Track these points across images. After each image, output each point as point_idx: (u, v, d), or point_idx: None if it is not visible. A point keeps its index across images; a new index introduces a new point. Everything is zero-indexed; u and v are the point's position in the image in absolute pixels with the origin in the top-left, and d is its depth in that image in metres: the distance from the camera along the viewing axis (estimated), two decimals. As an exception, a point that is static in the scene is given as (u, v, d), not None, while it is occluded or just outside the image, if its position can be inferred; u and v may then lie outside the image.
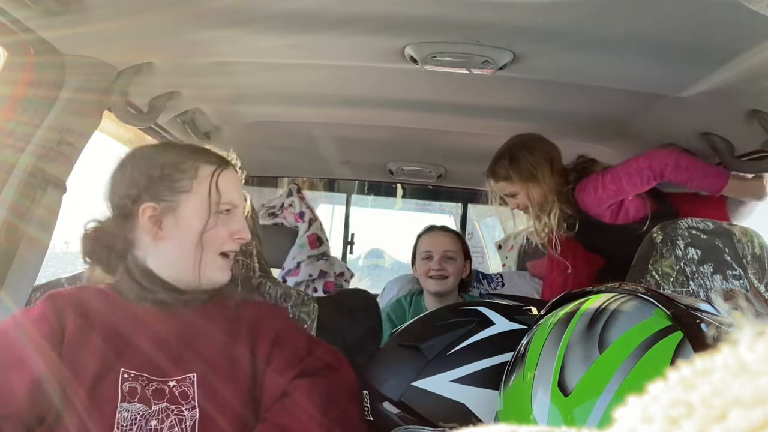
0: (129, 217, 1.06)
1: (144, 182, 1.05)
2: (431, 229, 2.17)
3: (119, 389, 0.97)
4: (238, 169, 1.17)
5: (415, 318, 1.22)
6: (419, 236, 2.17)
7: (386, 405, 1.06)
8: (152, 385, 0.99)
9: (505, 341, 1.04)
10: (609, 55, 1.28)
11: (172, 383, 1.00)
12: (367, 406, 1.10)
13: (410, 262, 2.22)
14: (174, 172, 1.06)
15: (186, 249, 1.05)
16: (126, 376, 0.98)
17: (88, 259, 1.09)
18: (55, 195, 1.36)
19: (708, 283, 1.36)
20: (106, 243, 1.07)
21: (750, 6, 0.81)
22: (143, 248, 1.07)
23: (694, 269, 1.37)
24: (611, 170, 1.72)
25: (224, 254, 1.09)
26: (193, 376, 1.02)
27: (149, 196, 1.05)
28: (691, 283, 1.37)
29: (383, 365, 1.12)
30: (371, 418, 1.09)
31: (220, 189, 1.08)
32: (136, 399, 0.97)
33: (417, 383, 1.03)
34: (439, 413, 1.01)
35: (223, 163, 1.11)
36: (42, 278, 1.44)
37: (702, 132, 1.65)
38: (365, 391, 1.11)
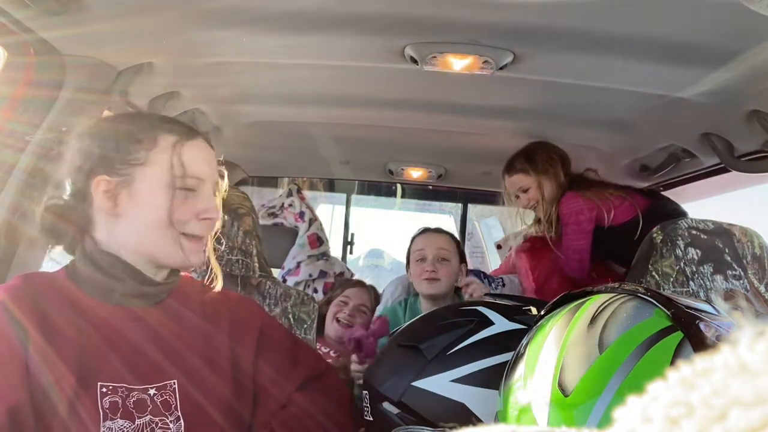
0: (85, 193, 0.95)
1: (97, 154, 0.95)
2: (425, 230, 2.14)
3: (99, 406, 0.87)
4: (207, 142, 1.05)
5: (415, 318, 1.22)
6: (413, 238, 2.12)
7: (386, 405, 1.06)
8: (133, 396, 0.91)
9: (505, 341, 1.04)
10: (609, 56, 1.29)
11: (152, 392, 0.92)
12: (367, 407, 1.10)
13: (406, 266, 2.20)
14: (129, 143, 0.95)
15: (143, 228, 0.95)
16: (105, 389, 0.89)
17: (49, 238, 0.98)
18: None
19: (708, 283, 1.36)
20: (67, 219, 0.96)
21: (750, 6, 0.81)
22: (102, 228, 0.96)
23: (694, 269, 1.37)
24: (573, 217, 1.85)
25: (189, 235, 0.98)
26: (174, 383, 0.94)
27: (103, 169, 0.94)
28: (691, 283, 1.37)
29: (383, 365, 1.12)
30: (371, 419, 1.09)
31: (184, 162, 0.96)
32: (119, 414, 0.89)
33: (417, 383, 1.03)
34: (439, 413, 1.01)
35: (188, 133, 1.00)
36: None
37: (702, 132, 1.65)
38: (365, 392, 1.11)
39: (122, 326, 0.94)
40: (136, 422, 0.90)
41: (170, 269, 1.01)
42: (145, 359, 0.94)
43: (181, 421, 0.93)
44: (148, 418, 0.91)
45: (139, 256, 0.96)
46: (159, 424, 0.91)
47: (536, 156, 1.90)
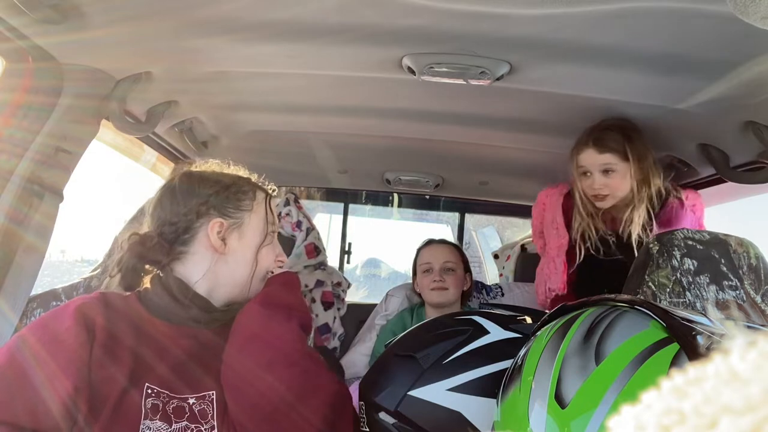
0: (187, 233, 1.09)
1: (213, 199, 1.10)
2: (430, 242, 2.19)
3: (143, 405, 0.97)
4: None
5: (410, 328, 1.22)
6: (419, 250, 2.18)
7: (382, 415, 1.05)
8: (173, 403, 0.99)
9: (500, 349, 1.04)
10: (606, 67, 1.29)
11: (191, 401, 1.01)
12: (363, 417, 1.10)
13: (409, 274, 2.23)
14: (239, 192, 1.13)
15: (245, 264, 1.11)
16: (149, 391, 0.98)
17: (122, 270, 1.09)
18: (53, 203, 1.36)
19: (704, 293, 1.36)
20: (147, 256, 1.08)
21: (745, 19, 0.82)
22: (192, 263, 1.09)
23: (691, 280, 1.38)
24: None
25: (266, 275, 1.16)
26: (212, 394, 1.03)
27: (218, 212, 1.10)
28: (687, 293, 1.37)
29: (379, 375, 1.12)
30: (367, 429, 1.09)
31: (273, 214, 1.17)
32: (158, 416, 0.98)
33: (413, 392, 1.03)
34: (436, 422, 1.01)
35: (269, 192, 1.20)
36: (38, 287, 1.43)
37: (698, 143, 1.66)
38: (361, 402, 1.11)
39: (173, 342, 1.04)
40: (173, 426, 0.98)
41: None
42: (189, 373, 1.03)
43: (216, 430, 1.01)
44: (184, 423, 1.00)
45: (223, 288, 1.10)
46: (194, 430, 1.00)
47: (634, 140, 1.63)
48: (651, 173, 1.66)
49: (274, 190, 1.23)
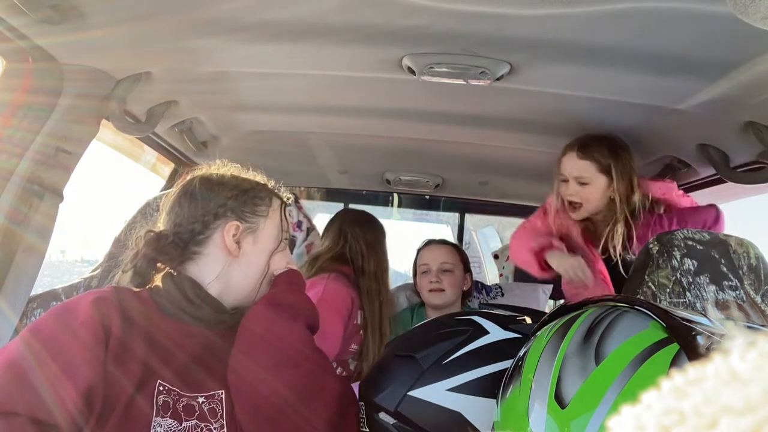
0: (202, 233, 1.10)
1: (231, 203, 1.12)
2: (429, 243, 2.19)
3: (154, 402, 0.97)
4: None
5: (410, 328, 1.22)
6: (418, 251, 2.19)
7: (382, 415, 1.05)
8: (182, 401, 1.00)
9: (500, 350, 1.04)
10: (606, 67, 1.29)
11: (201, 399, 1.02)
12: (363, 418, 1.09)
13: (409, 274, 2.23)
14: (256, 198, 1.15)
15: (257, 268, 1.12)
16: (161, 388, 0.98)
17: (136, 266, 1.10)
18: (52, 203, 1.36)
19: (704, 293, 1.36)
20: (162, 254, 1.09)
21: (744, 19, 0.82)
22: (205, 264, 1.10)
23: (691, 280, 1.38)
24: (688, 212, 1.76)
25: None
26: (222, 393, 1.03)
27: (235, 216, 1.11)
28: (687, 293, 1.37)
29: (379, 375, 1.12)
30: (366, 430, 1.09)
31: (286, 221, 1.20)
32: (169, 414, 0.98)
33: (413, 392, 1.03)
34: (436, 422, 1.01)
35: (284, 200, 1.22)
36: (38, 287, 1.43)
37: (698, 143, 1.66)
38: (361, 403, 1.11)
39: (183, 341, 1.05)
40: (183, 424, 0.99)
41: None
42: (198, 372, 1.03)
43: (225, 429, 1.01)
44: (194, 422, 1.00)
45: (232, 291, 1.11)
46: (204, 429, 1.00)
47: (623, 158, 1.66)
48: (630, 193, 1.68)
49: (289, 198, 1.24)
